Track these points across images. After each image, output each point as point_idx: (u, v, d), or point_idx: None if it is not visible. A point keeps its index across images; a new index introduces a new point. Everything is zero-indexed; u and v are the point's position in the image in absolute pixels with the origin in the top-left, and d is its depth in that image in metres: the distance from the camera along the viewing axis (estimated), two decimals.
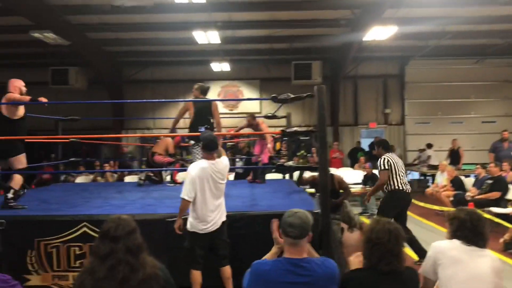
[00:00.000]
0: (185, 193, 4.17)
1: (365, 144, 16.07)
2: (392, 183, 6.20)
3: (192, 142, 6.08)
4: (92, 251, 2.45)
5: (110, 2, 9.44)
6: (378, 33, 11.30)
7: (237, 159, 9.68)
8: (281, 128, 7.89)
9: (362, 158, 12.78)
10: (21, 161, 5.39)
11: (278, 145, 15.67)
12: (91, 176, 11.27)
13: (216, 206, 4.29)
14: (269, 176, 10.44)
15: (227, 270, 4.36)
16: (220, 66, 15.34)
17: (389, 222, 2.74)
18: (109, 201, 6.00)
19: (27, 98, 5.54)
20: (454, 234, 2.93)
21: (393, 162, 6.23)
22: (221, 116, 6.49)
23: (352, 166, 14.05)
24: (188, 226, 4.26)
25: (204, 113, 6.13)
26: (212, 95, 16.11)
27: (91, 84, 15.80)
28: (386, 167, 6.20)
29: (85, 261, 4.34)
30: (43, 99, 5.58)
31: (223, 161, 4.44)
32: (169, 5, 10.33)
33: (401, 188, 6.17)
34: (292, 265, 2.63)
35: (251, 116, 8.15)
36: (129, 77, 16.57)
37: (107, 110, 16.11)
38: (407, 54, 15.70)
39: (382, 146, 6.54)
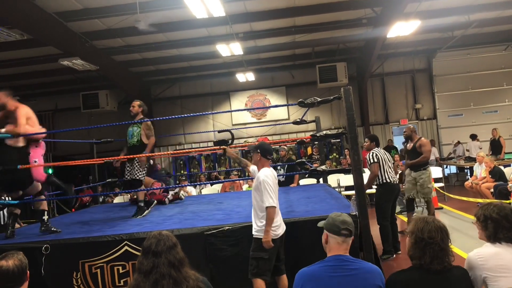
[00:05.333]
0: (271, 201, 4.05)
1: (397, 141, 15.82)
2: (381, 176, 6.58)
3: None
4: (136, 268, 2.52)
5: (132, 24, 9.65)
6: (401, 29, 11.10)
7: (279, 167, 9.53)
8: (311, 133, 7.85)
9: (396, 156, 12.36)
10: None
11: (309, 149, 15.65)
12: (129, 196, 11.43)
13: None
14: (303, 182, 10.44)
15: (285, 279, 4.26)
16: (245, 76, 15.43)
17: (437, 219, 2.65)
18: (148, 218, 6.06)
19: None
20: (496, 237, 2.71)
21: (380, 156, 6.61)
22: (250, 125, 6.63)
23: None
24: (259, 234, 4.11)
25: None
26: (239, 104, 16.26)
27: (121, 105, 16.16)
28: (375, 160, 6.58)
29: (129, 279, 4.42)
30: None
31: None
32: (190, 21, 10.49)
33: (389, 180, 6.59)
34: (339, 261, 2.66)
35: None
36: (158, 95, 16.89)
37: None
38: (433, 47, 15.46)
39: (374, 141, 6.91)
